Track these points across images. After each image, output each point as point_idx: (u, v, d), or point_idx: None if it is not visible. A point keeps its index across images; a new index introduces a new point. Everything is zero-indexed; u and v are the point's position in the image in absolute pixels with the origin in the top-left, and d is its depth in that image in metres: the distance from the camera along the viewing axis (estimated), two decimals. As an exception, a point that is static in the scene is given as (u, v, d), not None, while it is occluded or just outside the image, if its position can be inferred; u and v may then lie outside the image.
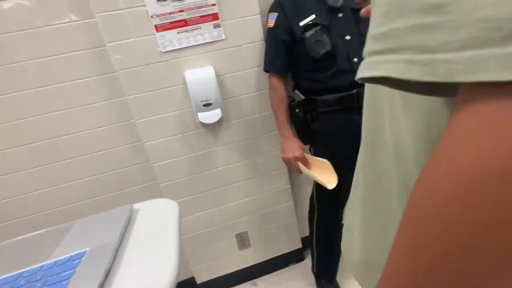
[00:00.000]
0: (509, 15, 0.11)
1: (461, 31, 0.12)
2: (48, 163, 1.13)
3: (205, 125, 1.16)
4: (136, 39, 1.01)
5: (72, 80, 1.07)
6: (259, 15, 1.10)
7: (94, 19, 0.99)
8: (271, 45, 1.07)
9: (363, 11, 0.36)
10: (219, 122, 1.16)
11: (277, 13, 1.04)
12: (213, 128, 1.18)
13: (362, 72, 0.17)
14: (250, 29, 1.10)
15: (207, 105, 1.06)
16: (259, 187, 1.34)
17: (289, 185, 1.38)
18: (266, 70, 1.10)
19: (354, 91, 0.96)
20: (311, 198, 1.24)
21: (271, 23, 1.06)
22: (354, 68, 0.95)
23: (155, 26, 1.01)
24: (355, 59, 0.95)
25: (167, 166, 1.18)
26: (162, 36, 1.03)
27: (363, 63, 0.17)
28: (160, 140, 1.14)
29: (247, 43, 1.12)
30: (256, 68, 1.16)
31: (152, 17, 1.00)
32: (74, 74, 1.06)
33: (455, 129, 0.14)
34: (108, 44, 0.99)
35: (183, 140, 1.17)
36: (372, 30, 0.17)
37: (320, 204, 1.20)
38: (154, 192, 1.27)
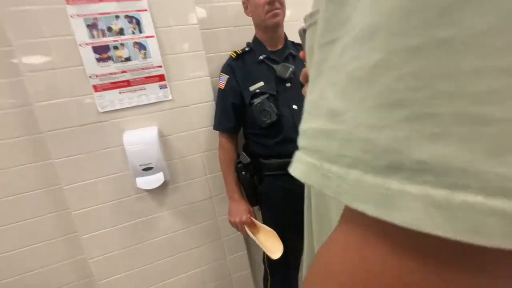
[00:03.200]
0: (388, 144, 0.10)
1: (349, 146, 0.12)
2: None
3: (147, 189, 1.04)
4: (69, 99, 0.93)
5: (-12, 141, 0.93)
6: (208, 77, 1.09)
7: (21, 78, 0.90)
8: (221, 106, 1.05)
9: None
10: (164, 185, 1.05)
11: (228, 76, 1.04)
12: (157, 192, 1.07)
13: (290, 168, 0.17)
14: (200, 89, 1.08)
15: (148, 169, 0.96)
16: (211, 255, 1.20)
17: (245, 251, 1.25)
18: (215, 129, 1.07)
19: None
20: (263, 261, 1.14)
21: (221, 85, 1.05)
22: None
23: (94, 86, 0.95)
24: None
25: (98, 238, 1.01)
26: (101, 96, 0.96)
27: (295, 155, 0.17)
28: (91, 208, 0.99)
29: (196, 103, 1.08)
30: (206, 128, 1.11)
31: (90, 77, 0.94)
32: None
33: (331, 237, 0.15)
34: (36, 104, 0.90)
35: (119, 207, 1.03)
36: (301, 124, 0.17)
37: (271, 269, 1.10)
38: (81, 269, 1.07)
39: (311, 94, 0.17)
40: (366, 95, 0.11)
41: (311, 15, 0.25)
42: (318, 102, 0.15)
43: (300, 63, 1.03)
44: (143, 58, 0.98)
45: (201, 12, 1.11)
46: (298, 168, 0.16)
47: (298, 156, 0.16)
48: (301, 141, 0.16)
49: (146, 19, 0.97)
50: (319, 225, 0.32)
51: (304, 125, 0.16)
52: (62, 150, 0.94)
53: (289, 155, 0.82)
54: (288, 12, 1.21)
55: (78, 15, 0.90)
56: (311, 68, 0.26)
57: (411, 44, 0.10)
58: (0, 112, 0.93)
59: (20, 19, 0.85)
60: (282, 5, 0.96)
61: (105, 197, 1.01)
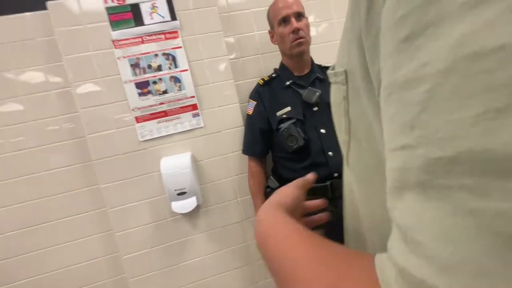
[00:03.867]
0: None
1: None
2: (6, 258, 1.05)
3: (181, 213, 1.09)
4: (115, 130, 1.03)
5: (49, 170, 1.07)
6: (238, 104, 1.14)
7: (77, 113, 1.04)
8: (249, 131, 1.08)
9: None
10: (197, 208, 1.09)
11: (255, 102, 1.07)
12: (190, 214, 1.11)
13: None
14: (229, 116, 1.13)
15: (182, 193, 1.01)
16: (243, 280, 1.19)
17: (277, 276, 1.22)
18: (244, 153, 1.09)
19: (328, 182, 0.92)
20: None
21: (249, 110, 1.09)
22: (329, 161, 0.93)
23: (136, 117, 1.05)
24: (330, 153, 0.94)
25: (138, 259, 1.07)
26: (141, 126, 1.05)
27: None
28: (132, 230, 1.06)
29: (227, 129, 1.13)
30: (236, 152, 1.15)
31: (133, 110, 1.04)
32: (52, 163, 1.07)
33: None
34: (88, 135, 1.02)
35: (157, 229, 1.09)
36: (395, 252, 0.14)
37: None
38: (122, 288, 1.14)
39: (398, 211, 0.14)
40: None
41: (336, 74, 0.25)
42: (412, 232, 0.12)
43: (328, 87, 1.03)
44: (178, 90, 1.06)
45: (229, 42, 1.18)
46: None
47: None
48: (400, 278, 0.13)
49: (180, 55, 1.06)
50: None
51: (401, 259, 0.13)
52: (108, 176, 1.04)
53: (318, 180, 0.78)
54: (313, 33, 1.23)
55: (124, 57, 1.02)
56: (340, 132, 0.27)
57: None
58: (59, 143, 1.07)
59: (77, 63, 0.99)
60: (307, 33, 0.98)
61: (144, 220, 1.08)
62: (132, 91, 1.03)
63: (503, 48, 0.09)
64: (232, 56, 1.19)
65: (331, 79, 0.26)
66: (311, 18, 1.25)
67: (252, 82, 1.18)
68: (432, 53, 0.11)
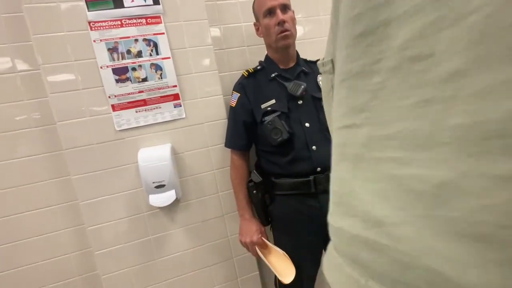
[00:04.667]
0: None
1: (411, 274, 0.12)
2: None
3: (159, 206, 1.05)
4: (89, 118, 0.97)
5: (15, 158, 0.98)
6: (221, 95, 1.11)
7: (46, 98, 0.96)
8: (232, 123, 1.06)
9: None
10: (176, 202, 1.05)
11: (239, 94, 1.05)
12: (169, 208, 1.07)
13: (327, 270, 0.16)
14: (212, 108, 1.10)
15: (160, 186, 0.97)
16: (223, 275, 1.17)
17: (257, 272, 1.21)
18: (227, 146, 1.07)
19: (311, 177, 0.92)
20: (275, 284, 1.10)
21: (233, 103, 1.06)
22: (312, 156, 0.93)
23: (112, 105, 0.99)
24: (314, 147, 0.94)
25: (111, 254, 1.02)
26: (118, 115, 1.00)
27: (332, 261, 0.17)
28: (105, 224, 1.01)
29: (209, 121, 1.10)
30: (218, 145, 1.12)
31: (109, 97, 0.98)
32: (18, 151, 0.98)
33: None
34: (58, 122, 0.95)
35: (132, 223, 1.04)
36: (331, 215, 0.17)
37: None
38: (94, 286, 1.08)
39: (335, 180, 0.16)
40: (433, 215, 0.10)
41: (324, 64, 0.26)
42: (345, 197, 0.14)
43: (313, 81, 1.03)
44: (159, 78, 1.02)
45: (215, 32, 1.15)
46: (336, 277, 0.14)
47: (335, 260, 0.15)
48: (335, 240, 0.15)
49: (163, 42, 1.01)
50: None
51: (335, 220, 0.15)
52: (80, 167, 0.97)
53: (301, 175, 0.79)
54: (300, 30, 1.23)
55: (100, 40, 0.95)
56: (330, 120, 0.27)
57: (504, 170, 0.09)
58: (26, 130, 0.99)
59: (47, 44, 0.92)
60: (292, 26, 0.97)
61: (119, 214, 1.02)
62: (108, 77, 0.97)
63: (433, 55, 0.11)
64: (217, 47, 1.15)
65: (320, 69, 0.28)
66: (298, 15, 1.24)
67: (236, 74, 1.15)
68: (384, 52, 0.13)
